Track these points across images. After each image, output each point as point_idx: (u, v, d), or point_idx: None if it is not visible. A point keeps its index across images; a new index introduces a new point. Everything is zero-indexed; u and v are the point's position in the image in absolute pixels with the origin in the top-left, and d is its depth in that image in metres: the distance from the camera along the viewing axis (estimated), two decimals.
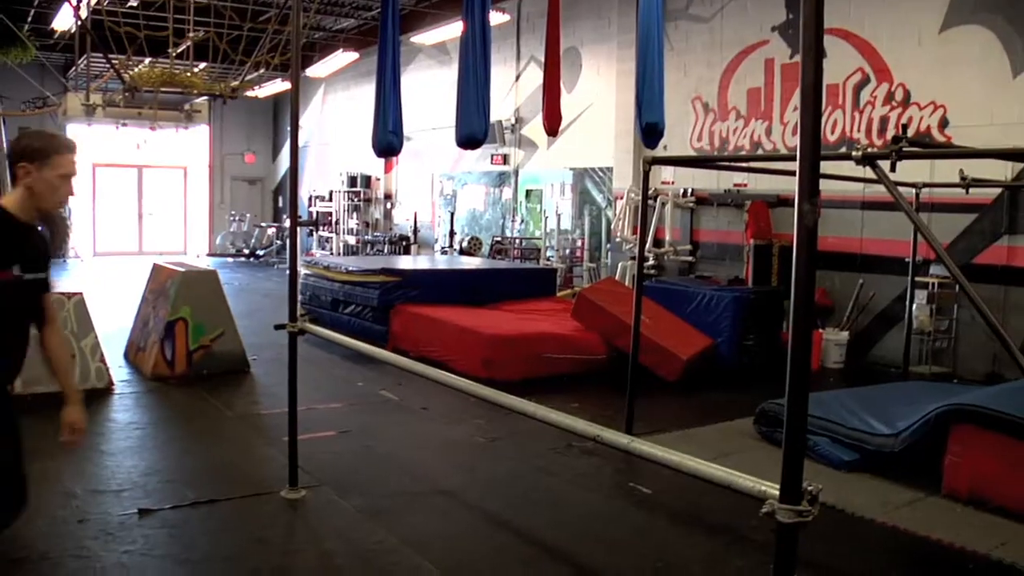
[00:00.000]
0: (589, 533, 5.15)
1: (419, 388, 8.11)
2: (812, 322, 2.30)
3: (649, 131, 9.09)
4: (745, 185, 12.26)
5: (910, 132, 9.32)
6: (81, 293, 8.28)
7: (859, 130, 10.69)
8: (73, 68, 19.43)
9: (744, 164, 10.64)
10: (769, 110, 11.96)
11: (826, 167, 7.11)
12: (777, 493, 2.25)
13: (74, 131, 22.43)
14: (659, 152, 10.95)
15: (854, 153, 4.70)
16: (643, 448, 2.75)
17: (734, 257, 12.34)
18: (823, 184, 8.54)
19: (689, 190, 13.01)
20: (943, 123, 9.82)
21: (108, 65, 15.41)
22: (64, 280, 16.82)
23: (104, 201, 24.27)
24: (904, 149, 4.72)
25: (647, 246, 12.38)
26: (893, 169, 4.73)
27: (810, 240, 2.14)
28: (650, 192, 7.99)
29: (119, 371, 8.92)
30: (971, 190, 7.71)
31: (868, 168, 4.73)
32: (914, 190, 8.80)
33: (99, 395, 7.99)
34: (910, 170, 7.50)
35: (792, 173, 6.96)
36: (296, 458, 5.62)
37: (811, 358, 2.30)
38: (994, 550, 4.89)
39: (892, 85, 10.38)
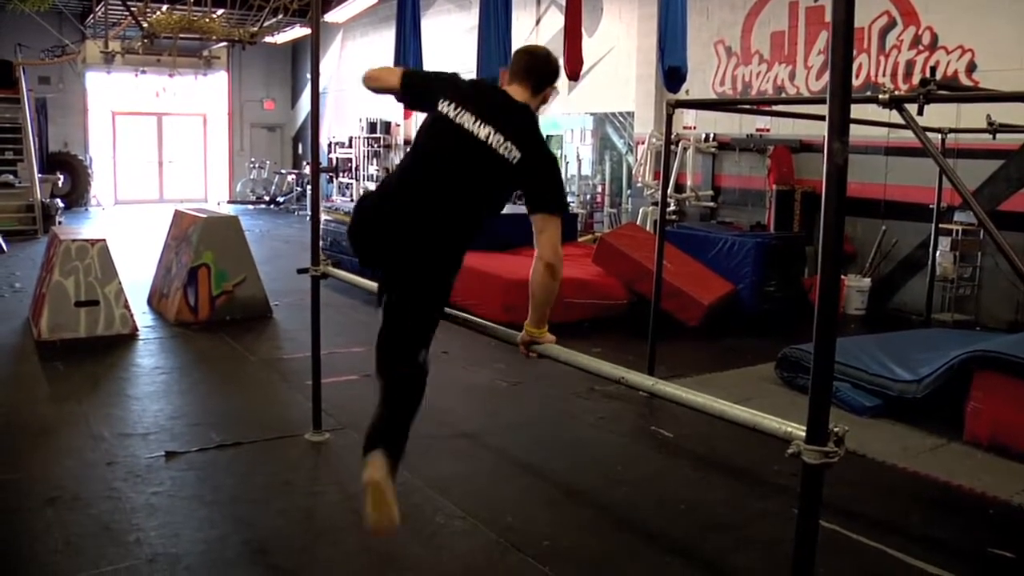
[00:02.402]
0: (612, 476, 5.19)
1: (440, 332, 8.12)
2: (841, 261, 2.29)
3: (672, 75, 9.02)
4: (767, 130, 12.13)
5: (937, 76, 9.17)
6: (104, 240, 8.33)
7: (884, 75, 10.53)
8: (91, 15, 19.33)
9: (770, 108, 10.50)
10: (793, 54, 11.78)
11: (851, 111, 7.03)
12: (803, 434, 2.26)
13: (93, 79, 22.45)
14: (682, 96, 10.82)
15: (881, 96, 4.64)
16: (667, 390, 2.76)
17: (756, 203, 12.25)
18: None
19: (711, 135, 12.89)
20: (971, 67, 9.65)
21: (126, 12, 15.36)
22: (86, 228, 16.91)
23: (124, 149, 24.26)
24: (932, 92, 4.64)
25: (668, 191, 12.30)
26: (921, 112, 4.66)
27: (840, 179, 2.11)
28: (672, 137, 7.94)
29: (142, 317, 9.00)
30: (998, 136, 7.59)
31: (894, 112, 4.67)
32: (940, 135, 8.68)
33: (124, 341, 8.08)
34: (936, 115, 7.40)
35: (817, 118, 6.88)
36: (320, 401, 5.67)
37: (839, 298, 2.28)
38: (1015, 496, 4.91)
39: (919, 29, 10.19)
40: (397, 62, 9.26)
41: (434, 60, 14.38)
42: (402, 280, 3.56)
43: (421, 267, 3.50)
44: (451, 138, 3.51)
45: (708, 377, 7.21)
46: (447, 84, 3.72)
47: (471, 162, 3.48)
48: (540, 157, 3.52)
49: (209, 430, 5.73)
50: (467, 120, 3.50)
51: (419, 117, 13.23)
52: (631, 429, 6.13)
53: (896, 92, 4.75)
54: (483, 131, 3.46)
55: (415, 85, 3.83)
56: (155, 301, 9.71)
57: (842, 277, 10.34)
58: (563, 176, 15.46)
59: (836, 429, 2.21)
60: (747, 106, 10.70)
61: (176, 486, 4.80)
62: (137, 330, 8.35)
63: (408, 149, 3.70)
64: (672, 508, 4.75)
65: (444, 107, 3.57)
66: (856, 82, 10.64)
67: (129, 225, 18.34)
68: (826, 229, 2.18)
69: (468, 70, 9.64)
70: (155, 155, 24.70)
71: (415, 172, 3.58)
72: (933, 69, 6.48)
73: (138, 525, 4.29)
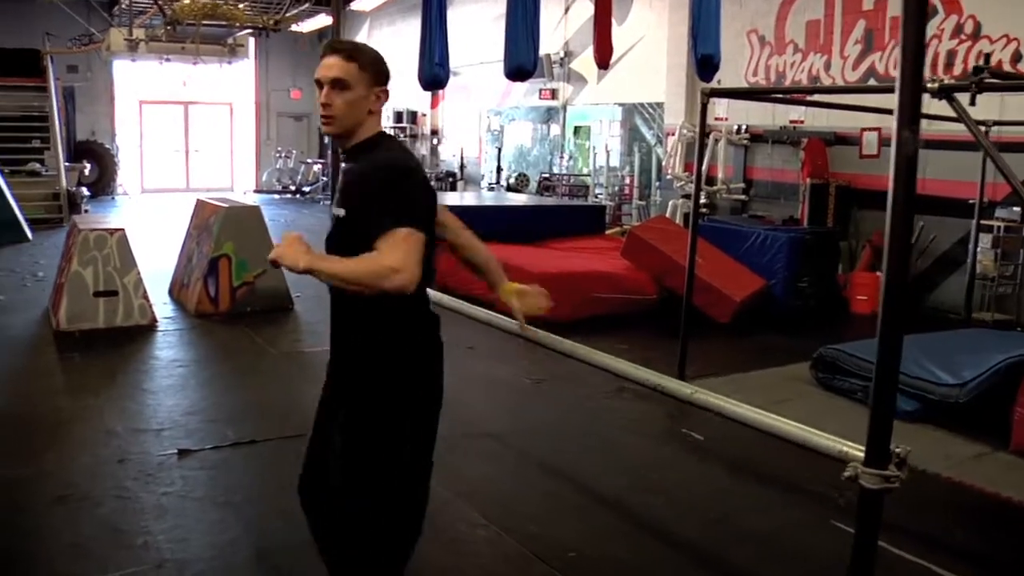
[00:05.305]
0: (641, 480, 4.98)
1: (465, 326, 7.91)
2: (909, 265, 2.06)
3: (704, 63, 8.78)
4: (801, 122, 11.84)
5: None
6: (123, 229, 8.19)
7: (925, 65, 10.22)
8: (116, 5, 19.27)
9: (805, 98, 10.21)
10: (828, 43, 11.49)
11: (891, 102, 6.76)
12: (860, 455, 2.04)
13: (120, 68, 22.42)
14: (714, 86, 10.56)
15: (929, 84, 4.38)
16: (709, 400, 2.55)
17: (789, 196, 11.97)
18: (883, 121, 8.07)
19: (743, 127, 12.61)
20: (1016, 57, 9.33)
21: (151, 1, 15.28)
22: (112, 216, 16.85)
23: (151, 138, 24.25)
24: (984, 81, 4.39)
25: None
26: (973, 103, 4.41)
27: (910, 171, 1.90)
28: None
29: (163, 308, 8.88)
30: None
31: (933, 103, 4.41)
32: (983, 128, 8.38)
33: (142, 332, 7.96)
34: (978, 107, 7.15)
35: (853, 108, 6.53)
36: None
37: (906, 307, 2.06)
38: None
39: (961, 17, 9.88)
40: (422, 52, 9.05)
41: (461, 49, 14.20)
42: None
43: None
44: None
45: (741, 377, 6.95)
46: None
47: None
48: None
49: (225, 427, 5.57)
50: None
51: (446, 107, 12.98)
52: (661, 431, 5.92)
53: (946, 80, 4.50)
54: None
55: None
56: (176, 291, 9.59)
57: (876, 273, 10.09)
58: (592, 166, 15.28)
59: (898, 450, 1.99)
60: (782, 96, 10.41)
61: (188, 486, 4.64)
62: (156, 321, 8.22)
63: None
64: (704, 516, 4.54)
65: None
66: (895, 72, 10.30)
67: (154, 214, 18.27)
68: (894, 225, 1.96)
69: (495, 60, 9.44)
70: (182, 144, 24.68)
71: None
72: (988, 56, 6.20)
73: (147, 527, 4.13)
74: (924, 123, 8.75)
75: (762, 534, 4.36)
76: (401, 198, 2.73)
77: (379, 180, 2.77)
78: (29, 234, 13.82)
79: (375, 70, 2.88)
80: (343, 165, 2.99)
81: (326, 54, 2.89)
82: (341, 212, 2.87)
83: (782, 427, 2.28)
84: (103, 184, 21.36)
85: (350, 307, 2.89)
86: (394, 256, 2.59)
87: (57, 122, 17.21)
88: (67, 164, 17.19)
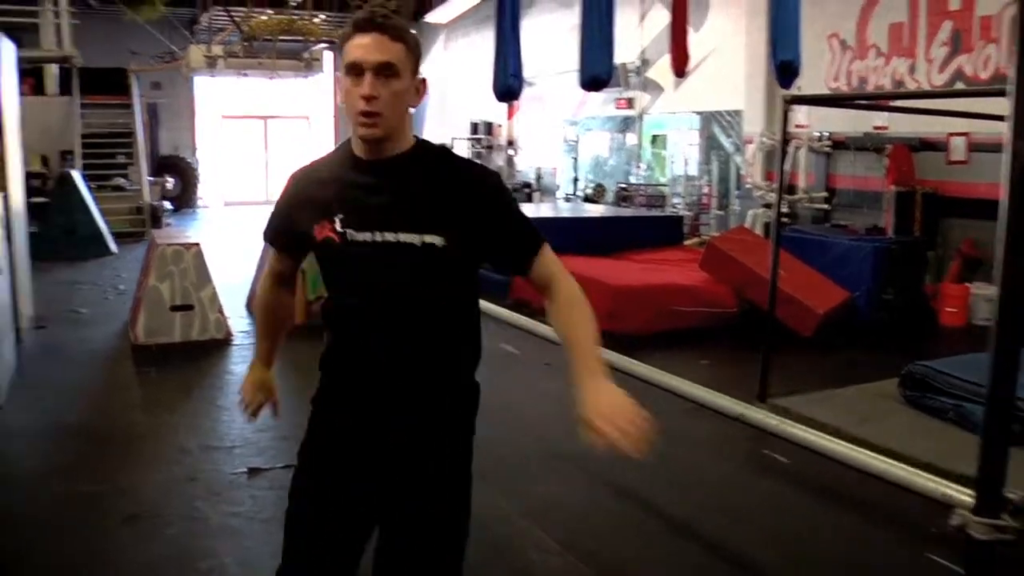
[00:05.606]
0: (719, 506, 4.78)
1: (543, 341, 7.82)
2: (1023, 291, 1.86)
3: (784, 69, 8.56)
4: (885, 128, 11.44)
5: None
6: (199, 244, 8.25)
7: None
8: (196, 23, 19.68)
9: (891, 103, 9.85)
10: (912, 47, 11.09)
11: (980, 106, 6.43)
12: (967, 500, 1.84)
13: (202, 84, 22.89)
14: (795, 92, 10.27)
15: None
16: (797, 432, 2.38)
17: (873, 205, 11.58)
18: (971, 126, 7.68)
19: (825, 134, 12.25)
20: None
21: (228, 18, 15.53)
22: (192, 229, 17.13)
23: (232, 152, 24.68)
24: None
25: None
26: None
27: None
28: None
29: (240, 322, 8.92)
30: None
31: None
32: None
33: (218, 346, 8.01)
34: None
35: (941, 113, 6.18)
36: None
37: (1020, 336, 1.86)
38: None
39: None
40: (497, 63, 9.00)
41: (536, 60, 14.10)
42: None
43: None
44: None
45: (825, 394, 6.65)
46: None
47: None
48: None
49: (295, 445, 5.46)
50: None
51: (522, 117, 12.82)
52: (742, 452, 5.68)
53: None
54: None
55: None
56: (253, 305, 9.64)
57: (967, 284, 9.70)
58: (669, 176, 15.09)
59: (1012, 496, 1.79)
60: (866, 102, 10.07)
61: (256, 506, 4.58)
62: (232, 335, 8.26)
63: None
64: (788, 544, 4.32)
65: None
66: (984, 75, 9.93)
67: (235, 226, 18.52)
68: (1008, 244, 1.77)
69: (571, 70, 9.34)
70: (262, 157, 25.08)
71: None
72: None
73: (214, 550, 4.08)
74: None
75: (850, 564, 4.14)
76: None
77: (504, 193, 2.40)
78: (113, 247, 14.13)
79: (418, 54, 2.32)
80: (368, 179, 2.31)
81: (364, 30, 2.22)
82: (436, 240, 2.25)
83: (881, 466, 2.10)
84: (186, 198, 21.80)
85: (428, 332, 2.30)
86: (569, 276, 2.40)
87: (141, 138, 17.59)
88: (150, 179, 17.55)
